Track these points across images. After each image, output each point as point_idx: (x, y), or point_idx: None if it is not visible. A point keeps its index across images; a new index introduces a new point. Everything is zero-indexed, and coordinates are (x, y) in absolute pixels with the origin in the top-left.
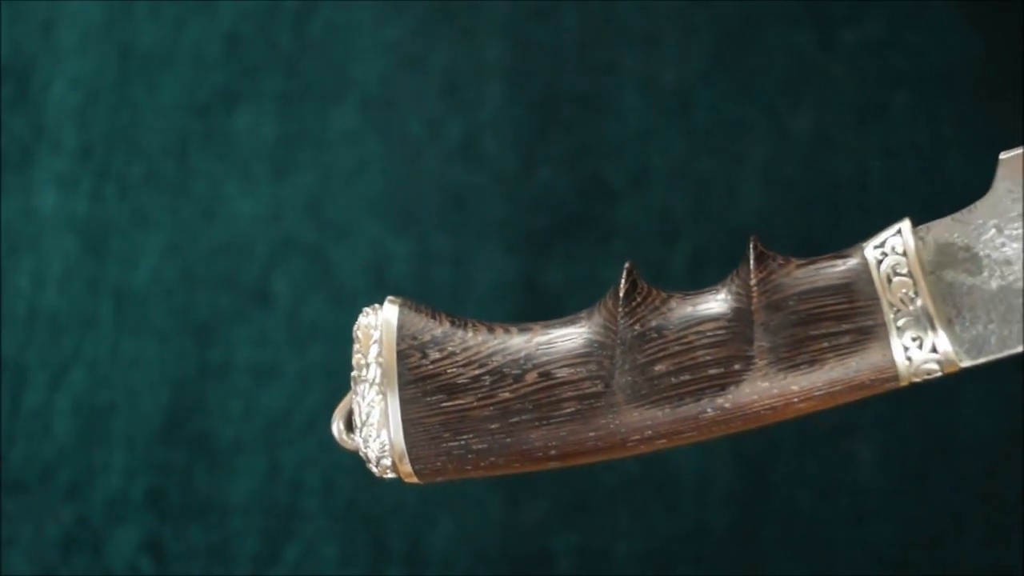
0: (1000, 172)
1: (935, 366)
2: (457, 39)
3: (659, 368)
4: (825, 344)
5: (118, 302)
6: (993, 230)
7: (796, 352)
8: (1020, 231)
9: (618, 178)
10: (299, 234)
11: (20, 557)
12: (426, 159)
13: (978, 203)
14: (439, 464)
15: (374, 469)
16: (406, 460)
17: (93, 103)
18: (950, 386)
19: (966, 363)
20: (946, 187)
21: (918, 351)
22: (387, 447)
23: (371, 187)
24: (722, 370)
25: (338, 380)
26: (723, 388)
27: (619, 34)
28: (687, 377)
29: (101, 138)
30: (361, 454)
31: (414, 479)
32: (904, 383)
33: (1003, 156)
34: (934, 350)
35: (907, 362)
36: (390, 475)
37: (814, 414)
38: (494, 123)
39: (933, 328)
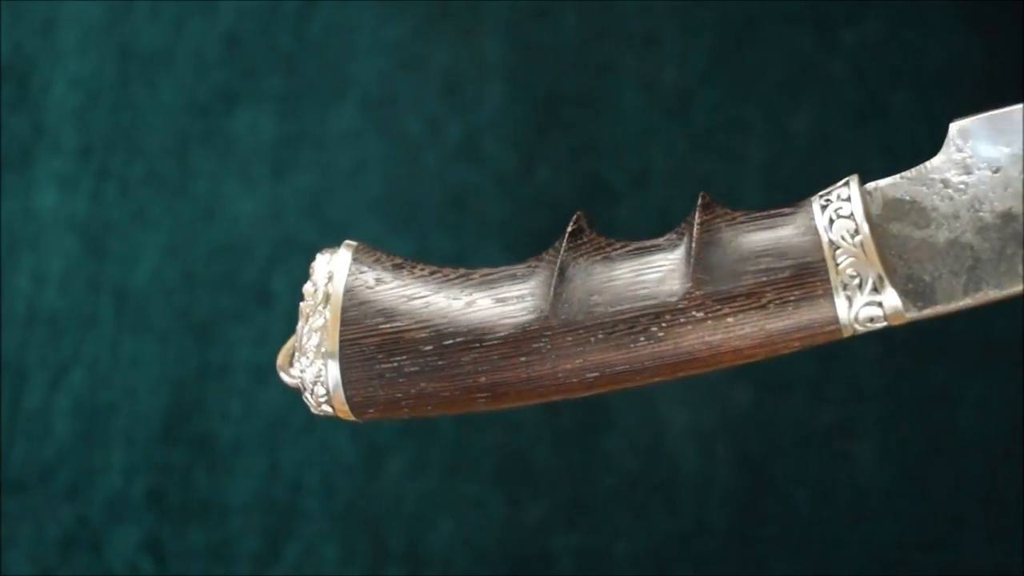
0: (950, 135)
1: (878, 312)
2: (457, 39)
3: (596, 298)
4: (764, 279)
5: (118, 302)
6: (940, 184)
7: (734, 284)
8: (966, 187)
9: (618, 178)
10: (299, 234)
11: (20, 557)
12: (426, 159)
13: (927, 162)
14: (371, 390)
15: (310, 400)
16: (340, 386)
17: (93, 103)
18: (950, 386)
19: (912, 314)
20: None
21: (860, 296)
22: (323, 372)
23: (371, 187)
24: (658, 301)
25: None
26: (657, 317)
27: (619, 34)
28: (623, 307)
29: (101, 138)
30: (299, 384)
31: (346, 410)
32: (847, 332)
33: (954, 124)
34: (875, 293)
35: (848, 306)
36: (324, 407)
37: (760, 364)
38: (494, 123)
39: (878, 278)
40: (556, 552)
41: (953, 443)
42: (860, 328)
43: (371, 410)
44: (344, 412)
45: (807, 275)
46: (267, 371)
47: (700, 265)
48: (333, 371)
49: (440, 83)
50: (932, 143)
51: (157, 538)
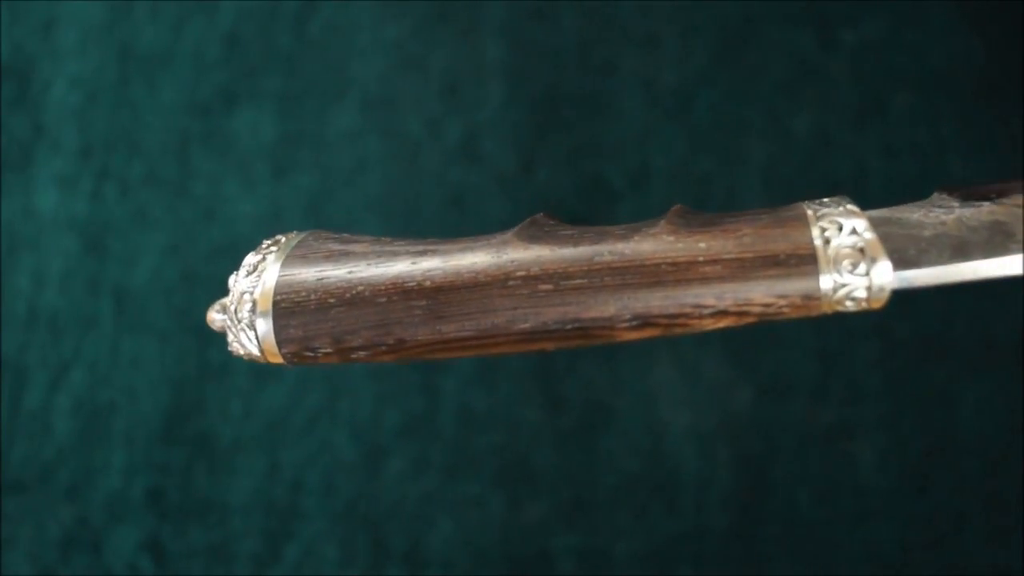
0: (935, 191)
1: (857, 251)
2: (457, 39)
3: (566, 231)
4: (742, 220)
5: (118, 302)
6: (923, 210)
7: (710, 223)
8: (949, 209)
9: (618, 178)
10: None
11: (20, 557)
12: (426, 159)
13: (911, 204)
14: (303, 295)
15: (231, 319)
16: (269, 295)
17: (93, 103)
18: (950, 387)
19: (897, 271)
20: None
21: (838, 237)
22: (255, 287)
23: (371, 187)
24: (626, 231)
25: (339, 381)
26: (625, 240)
27: (619, 34)
28: (591, 234)
29: (101, 138)
30: (225, 319)
31: (268, 326)
32: (824, 265)
33: (938, 189)
34: (855, 235)
35: (825, 245)
36: (244, 317)
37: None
38: (494, 123)
39: (860, 223)
40: (556, 552)
41: (953, 443)
42: (838, 266)
43: (294, 324)
44: (266, 329)
45: (788, 219)
46: (267, 371)
47: (676, 216)
48: (268, 284)
49: (440, 83)
50: (932, 143)
51: (157, 538)
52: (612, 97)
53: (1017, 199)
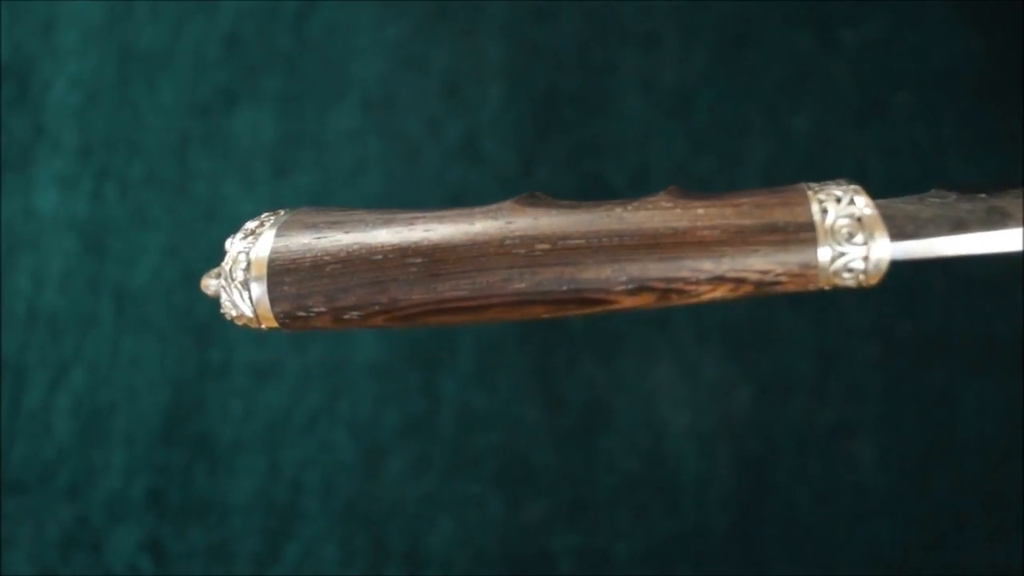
0: (933, 188)
1: (855, 211)
2: (457, 39)
3: (564, 202)
4: (743, 194)
5: (118, 302)
6: (921, 200)
7: (710, 197)
8: (946, 198)
9: (618, 178)
10: None
11: (20, 557)
12: (426, 159)
13: (909, 196)
14: (298, 253)
15: (225, 279)
16: (265, 254)
17: (93, 103)
18: (950, 387)
19: (895, 243)
20: None
21: (836, 208)
22: (251, 247)
23: (371, 187)
24: (625, 201)
25: (339, 381)
26: (624, 206)
27: (619, 34)
28: (589, 203)
29: (101, 138)
30: (219, 284)
31: (262, 285)
32: (822, 235)
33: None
34: (852, 206)
35: (823, 215)
36: (239, 276)
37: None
38: (494, 123)
39: (858, 194)
40: (556, 552)
41: (953, 443)
42: (836, 236)
43: (289, 281)
44: (259, 288)
45: (788, 192)
46: (267, 371)
47: (676, 191)
48: (265, 237)
49: (440, 83)
50: (932, 143)
51: (157, 538)
52: (612, 97)
53: (1014, 191)
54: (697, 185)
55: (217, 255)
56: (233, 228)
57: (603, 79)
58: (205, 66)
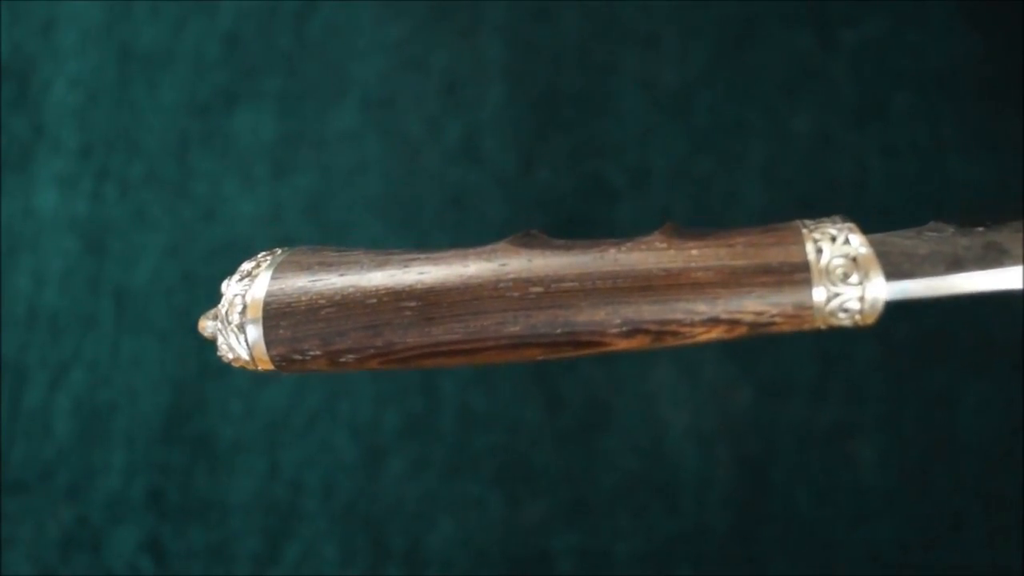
0: (931, 221)
1: (850, 251)
2: (457, 39)
3: (559, 241)
4: (735, 232)
5: (118, 302)
6: (917, 235)
7: (705, 236)
8: (943, 233)
9: (618, 178)
10: (299, 234)
11: (20, 557)
12: (426, 159)
13: (905, 230)
14: (294, 297)
15: (222, 322)
16: (261, 297)
17: (93, 103)
18: (950, 387)
19: (887, 276)
20: (946, 187)
21: (831, 247)
22: (247, 290)
23: (371, 187)
24: (619, 241)
25: (339, 380)
26: (617, 247)
27: (619, 34)
28: (584, 243)
29: (101, 138)
30: (215, 326)
31: (258, 328)
32: (816, 275)
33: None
34: (847, 245)
35: (818, 255)
36: (235, 320)
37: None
38: (494, 123)
39: (853, 232)
40: (556, 552)
41: (953, 443)
42: (831, 275)
43: (284, 325)
44: (254, 325)
45: (782, 230)
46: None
47: (670, 229)
48: (260, 289)
49: (440, 83)
50: (932, 143)
51: (157, 538)
52: (612, 97)
53: (1013, 225)
54: (697, 185)
55: (217, 255)
56: (233, 228)
57: (603, 79)
58: (205, 66)
